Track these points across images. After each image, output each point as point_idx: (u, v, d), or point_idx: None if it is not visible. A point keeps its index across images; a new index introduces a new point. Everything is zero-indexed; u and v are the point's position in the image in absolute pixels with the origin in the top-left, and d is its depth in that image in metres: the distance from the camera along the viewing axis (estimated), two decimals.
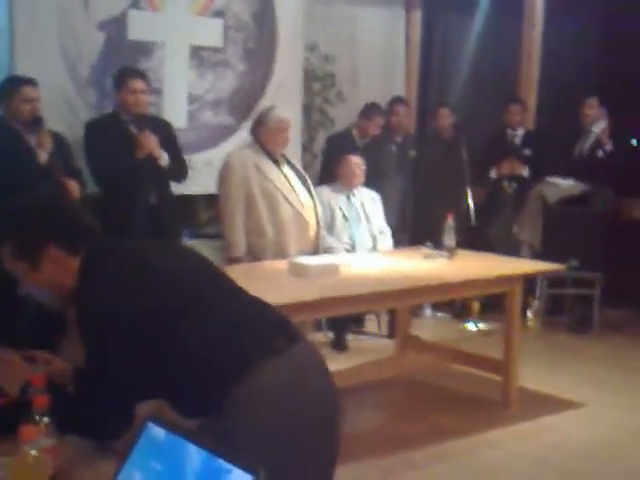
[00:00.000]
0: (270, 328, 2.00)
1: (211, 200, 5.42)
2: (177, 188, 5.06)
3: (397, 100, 6.35)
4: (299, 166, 4.82)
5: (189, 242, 5.40)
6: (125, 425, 1.85)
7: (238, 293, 2.08)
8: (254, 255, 4.52)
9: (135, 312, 1.86)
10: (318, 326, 5.66)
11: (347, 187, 5.27)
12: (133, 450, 1.47)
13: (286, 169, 4.62)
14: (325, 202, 5.09)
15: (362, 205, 5.31)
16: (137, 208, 4.63)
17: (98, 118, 4.85)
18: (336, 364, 4.76)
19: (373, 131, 5.97)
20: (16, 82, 4.44)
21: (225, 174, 4.53)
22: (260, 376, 1.87)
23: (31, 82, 4.42)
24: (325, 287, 3.87)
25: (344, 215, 5.23)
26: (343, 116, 6.49)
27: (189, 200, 5.57)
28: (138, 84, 4.72)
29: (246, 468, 1.29)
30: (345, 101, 6.63)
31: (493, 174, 6.41)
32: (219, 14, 5.59)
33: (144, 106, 4.77)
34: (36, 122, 4.38)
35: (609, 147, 6.05)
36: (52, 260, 1.93)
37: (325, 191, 5.19)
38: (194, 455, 1.36)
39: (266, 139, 4.54)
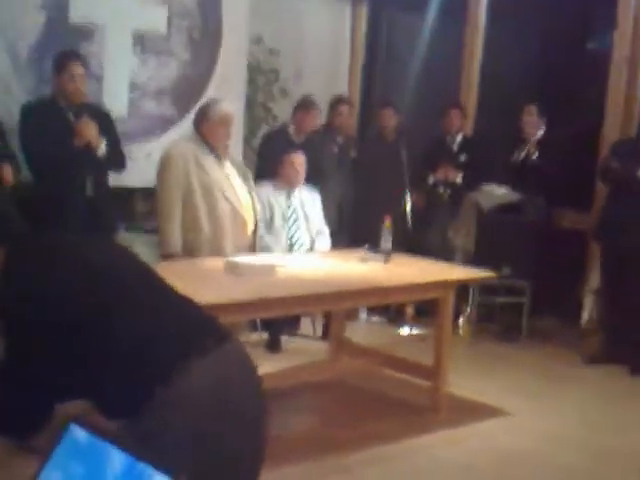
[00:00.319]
0: (198, 328, 1.98)
1: (149, 193, 5.29)
2: (115, 180, 4.96)
3: (340, 100, 6.30)
4: (241, 162, 4.75)
5: (126, 235, 5.30)
6: (41, 420, 1.80)
7: (167, 292, 2.05)
8: (189, 251, 4.40)
9: (54, 306, 1.82)
10: (253, 326, 5.61)
11: (288, 186, 5.21)
12: (54, 451, 1.42)
13: (227, 165, 4.52)
14: (265, 200, 5.03)
15: (302, 205, 5.27)
16: (73, 198, 4.51)
17: (35, 101, 4.71)
18: (270, 365, 4.79)
19: (310, 125, 5.82)
20: None
21: (164, 166, 4.37)
22: (187, 376, 1.84)
23: None
24: (260, 287, 3.82)
25: (283, 214, 5.18)
26: (286, 112, 6.43)
27: (126, 192, 5.45)
28: (77, 68, 4.60)
29: (167, 472, 1.27)
30: (289, 97, 6.58)
31: (431, 179, 6.45)
32: (164, 0, 5.48)
33: (82, 93, 4.64)
34: None
35: (535, 157, 6.13)
36: None
37: (265, 189, 5.11)
38: (116, 459, 1.33)
39: (208, 132, 4.40)
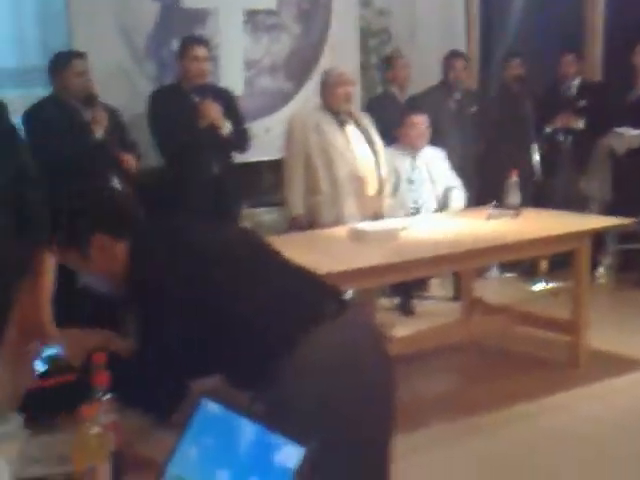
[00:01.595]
0: (318, 297, 2.02)
1: (273, 167, 5.41)
2: (238, 156, 5.07)
3: (453, 54, 6.12)
4: (370, 126, 4.75)
5: (253, 210, 5.43)
6: (179, 399, 1.89)
7: (286, 264, 2.11)
8: (311, 213, 4.57)
9: (183, 286, 1.90)
10: (383, 291, 5.63)
11: (412, 148, 5.12)
12: (189, 425, 1.51)
13: (350, 128, 4.61)
14: (390, 164, 5.00)
15: (427, 166, 5.19)
16: (200, 178, 4.64)
17: (160, 88, 4.85)
18: (404, 328, 4.81)
19: (403, 75, 5.86)
20: (65, 57, 4.46)
21: (287, 134, 4.61)
22: (310, 344, 1.89)
23: (80, 55, 4.45)
24: (385, 252, 3.86)
25: (408, 178, 5.13)
26: None
27: (250, 167, 5.56)
28: (201, 51, 4.70)
29: (297, 441, 1.32)
30: (403, 58, 6.47)
31: (549, 128, 6.20)
32: None
33: (206, 74, 4.75)
34: (90, 99, 4.39)
35: None
36: (99, 247, 1.98)
37: (389, 153, 5.04)
38: (247, 430, 1.40)
39: (328, 95, 4.56)
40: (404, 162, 5.11)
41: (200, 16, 5.26)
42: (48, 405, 1.97)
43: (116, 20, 4.90)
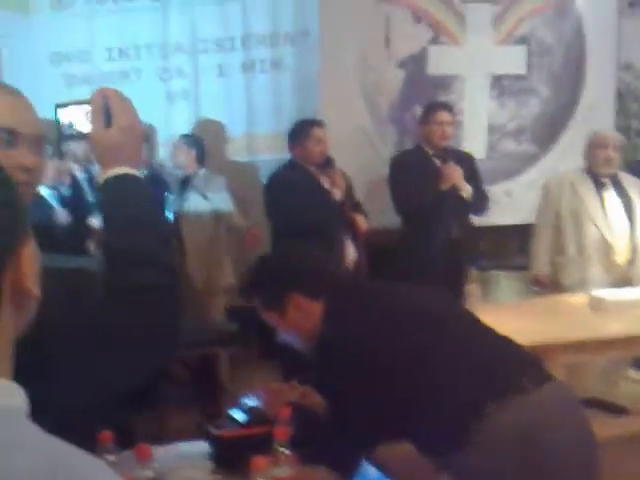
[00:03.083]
0: (516, 366, 1.95)
1: (517, 231, 5.29)
2: (479, 220, 5.01)
3: None
4: (634, 191, 4.53)
5: (496, 273, 5.33)
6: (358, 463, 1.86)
7: (486, 333, 2.03)
8: (555, 273, 4.53)
9: (377, 353, 1.89)
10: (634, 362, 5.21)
11: None
12: None
13: (609, 193, 4.49)
14: None
15: None
16: (438, 241, 4.62)
17: (403, 152, 4.94)
18: None
19: None
20: (306, 125, 4.61)
21: (542, 194, 4.63)
22: (500, 414, 1.81)
23: (320, 124, 4.59)
24: (623, 322, 3.66)
25: None
26: None
27: (493, 230, 5.47)
28: (445, 116, 4.74)
29: None
30: None
31: None
32: (522, 41, 5.47)
33: (448, 138, 4.78)
34: (328, 162, 4.54)
35: None
36: (296, 306, 2.04)
37: None
38: None
39: (589, 158, 4.51)
40: None
41: (445, 82, 5.31)
42: (240, 453, 2.02)
43: (362, 87, 5.08)
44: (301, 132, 4.58)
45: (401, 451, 1.99)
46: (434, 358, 1.91)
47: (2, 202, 0.80)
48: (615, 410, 4.50)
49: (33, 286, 0.81)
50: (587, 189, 4.49)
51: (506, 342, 2.03)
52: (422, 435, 1.92)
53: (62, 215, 4.64)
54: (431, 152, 4.74)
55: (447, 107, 4.84)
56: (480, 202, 4.85)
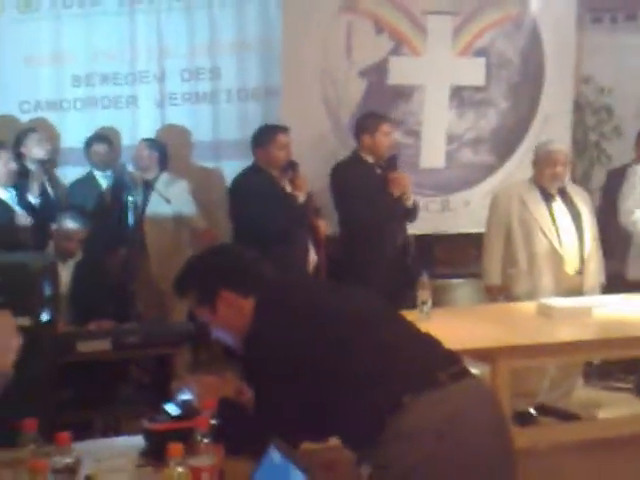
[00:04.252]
0: (433, 362, 2.00)
1: (472, 239, 5.37)
2: (437, 228, 5.11)
3: None
4: (582, 202, 4.63)
5: (449, 281, 5.41)
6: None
7: (404, 330, 2.10)
8: (507, 285, 4.58)
9: (298, 347, 1.96)
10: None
11: None
12: (258, 468, 1.56)
13: (557, 204, 4.56)
14: None
15: None
16: (384, 249, 4.69)
17: (343, 163, 4.85)
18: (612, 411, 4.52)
19: None
20: (271, 130, 4.70)
21: (491, 206, 4.68)
22: (416, 409, 1.87)
23: (284, 130, 4.68)
24: (571, 329, 3.74)
25: None
26: (621, 152, 6.10)
27: (447, 239, 5.56)
28: (389, 128, 4.82)
29: None
30: (623, 137, 6.23)
31: None
32: (481, 53, 5.56)
33: (392, 148, 4.85)
34: (292, 166, 4.63)
35: None
36: (226, 303, 2.10)
37: None
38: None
39: (536, 172, 4.58)
40: None
41: (406, 92, 5.40)
42: (167, 445, 2.09)
43: (323, 95, 5.17)
44: (265, 137, 4.67)
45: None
46: (352, 353, 1.96)
47: None
48: (567, 417, 4.59)
49: None
50: (535, 201, 4.55)
51: (425, 338, 2.09)
52: (342, 428, 1.98)
53: (22, 217, 4.68)
54: (371, 161, 4.80)
55: (386, 118, 4.91)
56: (414, 210, 4.91)
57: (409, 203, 4.78)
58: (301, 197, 4.60)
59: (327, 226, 4.73)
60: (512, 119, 5.66)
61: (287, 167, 4.64)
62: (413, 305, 3.90)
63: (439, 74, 5.46)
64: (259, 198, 4.47)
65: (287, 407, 1.95)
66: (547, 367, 4.56)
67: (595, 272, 4.61)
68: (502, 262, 4.59)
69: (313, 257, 4.70)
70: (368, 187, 4.64)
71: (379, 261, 4.62)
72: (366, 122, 4.82)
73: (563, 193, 4.60)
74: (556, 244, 4.50)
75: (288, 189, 4.64)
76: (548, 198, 4.55)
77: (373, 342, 2.00)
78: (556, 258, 4.50)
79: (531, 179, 4.62)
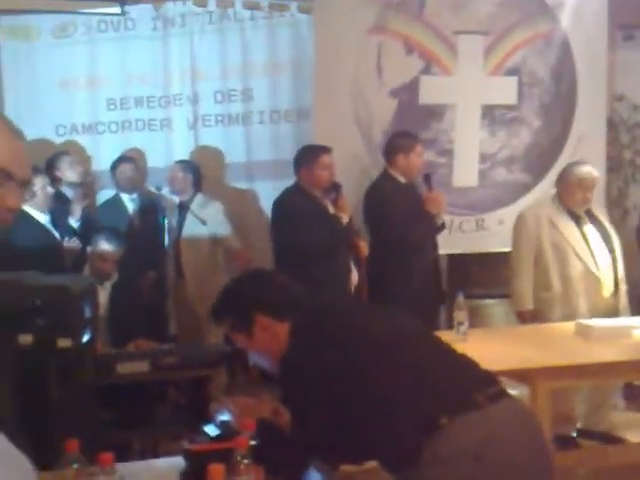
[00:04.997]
0: (470, 384, 1.99)
1: (505, 259, 5.32)
2: (472, 247, 5.08)
3: None
4: (607, 224, 4.59)
5: (483, 302, 5.37)
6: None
7: (443, 351, 2.09)
8: (541, 310, 4.46)
9: (334, 372, 1.96)
10: None
11: None
12: None
13: (587, 226, 4.49)
14: None
15: None
16: (420, 267, 4.67)
17: (376, 182, 4.84)
18: None
19: None
20: (315, 151, 4.71)
21: (518, 227, 4.57)
22: (454, 430, 1.87)
23: (328, 150, 4.69)
24: (610, 350, 3.69)
25: None
26: None
27: (483, 259, 5.53)
28: (420, 148, 4.84)
29: None
30: None
31: None
32: (513, 72, 5.54)
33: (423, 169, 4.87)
34: (335, 187, 4.65)
35: None
36: (262, 328, 2.11)
37: None
38: None
39: (565, 194, 4.49)
40: None
41: (437, 111, 5.40)
42: (207, 466, 2.09)
43: (355, 116, 5.18)
44: (309, 157, 4.68)
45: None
46: (388, 375, 1.96)
47: None
48: (610, 440, 4.51)
49: None
50: (565, 222, 4.46)
51: (462, 360, 2.08)
52: (380, 450, 1.98)
53: (66, 241, 4.73)
54: (403, 181, 4.80)
55: (419, 140, 4.86)
56: (442, 229, 4.90)
57: (439, 221, 4.78)
58: (345, 218, 4.62)
59: (367, 247, 4.71)
60: (545, 138, 5.63)
61: (330, 188, 4.65)
62: (447, 324, 3.87)
63: (470, 93, 5.44)
64: (303, 219, 4.48)
65: (323, 429, 1.96)
66: (583, 390, 4.51)
67: (625, 293, 4.55)
68: (534, 287, 4.47)
69: (355, 277, 4.70)
70: (404, 207, 4.64)
71: (414, 279, 4.60)
72: (400, 142, 4.82)
73: (589, 214, 4.54)
74: (592, 267, 4.41)
75: (331, 210, 4.65)
76: (577, 220, 4.48)
77: (409, 364, 2.00)
78: (592, 281, 4.42)
79: (556, 199, 4.53)
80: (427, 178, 4.75)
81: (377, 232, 4.76)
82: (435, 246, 4.85)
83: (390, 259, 4.66)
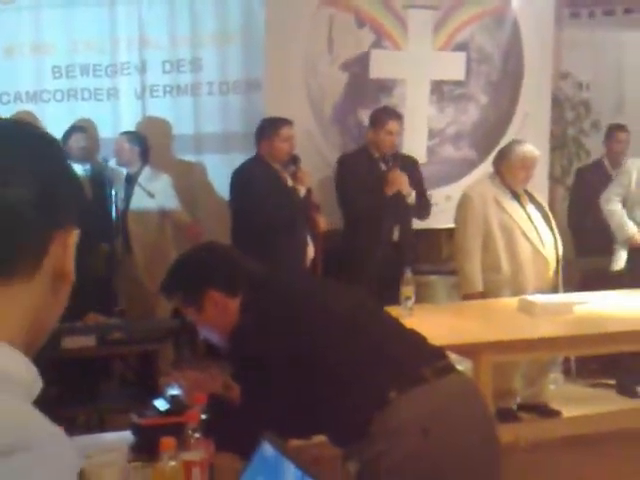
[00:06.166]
0: (418, 358, 2.02)
1: (452, 235, 5.38)
2: (418, 223, 5.12)
3: None
4: (544, 202, 4.67)
5: (427, 277, 5.42)
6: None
7: (390, 326, 2.12)
8: (490, 291, 4.44)
9: (284, 347, 1.98)
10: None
11: None
12: (250, 463, 1.57)
13: (529, 206, 4.52)
14: None
15: None
16: (380, 244, 4.71)
17: (349, 154, 5.00)
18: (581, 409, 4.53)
19: (618, 148, 5.68)
20: (275, 123, 4.69)
21: (463, 207, 4.51)
22: (403, 404, 1.89)
23: (289, 123, 4.69)
24: (552, 325, 3.76)
25: None
26: (599, 147, 6.15)
27: (429, 235, 5.59)
28: (395, 126, 4.86)
29: None
30: (602, 131, 6.27)
31: None
32: (461, 47, 5.58)
33: (395, 147, 4.91)
34: (294, 160, 4.65)
35: None
36: (213, 302, 2.10)
37: None
38: (291, 475, 1.46)
39: (507, 174, 4.47)
40: None
41: (387, 86, 5.41)
42: (156, 440, 2.09)
43: (306, 89, 5.16)
44: (269, 129, 4.66)
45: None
46: (338, 350, 1.99)
47: (69, 177, 0.82)
48: (549, 414, 4.62)
49: (72, 272, 0.82)
50: (510, 202, 4.43)
51: (410, 335, 2.11)
52: (329, 424, 2.00)
53: None
54: (377, 155, 4.84)
55: (398, 116, 4.93)
56: (424, 208, 4.96)
57: (409, 200, 4.79)
58: (302, 191, 4.62)
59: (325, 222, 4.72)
60: (492, 114, 5.69)
61: (290, 161, 4.65)
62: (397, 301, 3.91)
63: (420, 68, 5.46)
64: (261, 190, 4.48)
65: (273, 403, 1.97)
66: (522, 364, 4.57)
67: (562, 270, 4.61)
68: (482, 269, 4.42)
69: (310, 251, 4.71)
70: (369, 181, 4.69)
71: (374, 257, 4.64)
72: (374, 117, 4.84)
73: (527, 192, 4.55)
74: (539, 246, 4.41)
75: (290, 183, 4.65)
76: (518, 199, 4.47)
77: (359, 339, 2.03)
78: (540, 260, 4.42)
79: (496, 178, 4.49)
80: (396, 157, 4.80)
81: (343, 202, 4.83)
82: (404, 226, 4.88)
83: (356, 234, 4.75)
